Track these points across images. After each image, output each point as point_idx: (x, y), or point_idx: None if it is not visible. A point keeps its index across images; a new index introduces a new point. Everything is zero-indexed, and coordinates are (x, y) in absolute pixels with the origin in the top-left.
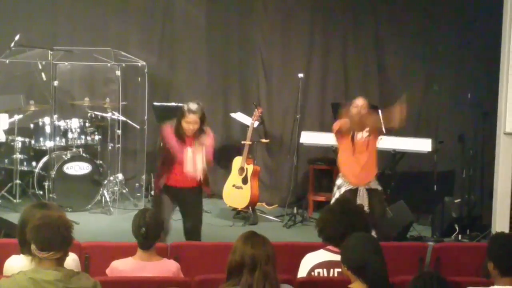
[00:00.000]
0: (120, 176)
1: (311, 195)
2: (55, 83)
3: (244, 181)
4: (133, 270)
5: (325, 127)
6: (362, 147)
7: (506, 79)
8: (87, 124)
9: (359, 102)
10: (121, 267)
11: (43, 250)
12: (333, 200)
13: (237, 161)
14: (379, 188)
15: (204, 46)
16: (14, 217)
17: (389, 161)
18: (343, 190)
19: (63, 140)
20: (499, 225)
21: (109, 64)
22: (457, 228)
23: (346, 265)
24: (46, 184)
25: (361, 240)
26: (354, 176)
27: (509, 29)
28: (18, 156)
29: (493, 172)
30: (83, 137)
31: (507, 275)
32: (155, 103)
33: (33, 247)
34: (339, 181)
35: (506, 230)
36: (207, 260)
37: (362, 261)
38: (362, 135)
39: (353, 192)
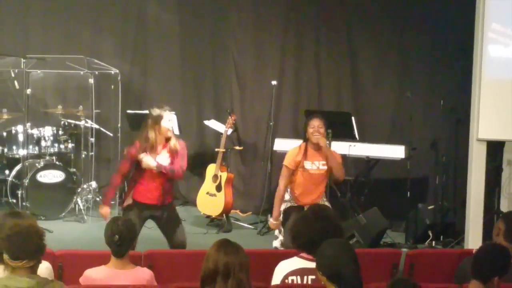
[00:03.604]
0: (93, 184)
1: None
2: (28, 91)
3: (218, 188)
4: (106, 278)
5: (298, 134)
6: (317, 175)
7: (479, 85)
8: (60, 132)
9: (315, 123)
10: (94, 275)
11: (16, 259)
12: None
13: (211, 169)
14: (327, 204)
15: (177, 54)
16: None
17: (363, 168)
18: (288, 205)
19: (36, 148)
20: (472, 231)
21: (82, 72)
22: (430, 234)
23: (321, 272)
24: (19, 192)
25: (337, 248)
26: (301, 197)
27: (481, 36)
28: None
29: (466, 179)
30: (56, 145)
31: (477, 279)
32: (128, 111)
33: (5, 256)
34: (287, 196)
35: (479, 236)
36: (181, 268)
37: (338, 270)
38: (318, 166)
39: (297, 209)
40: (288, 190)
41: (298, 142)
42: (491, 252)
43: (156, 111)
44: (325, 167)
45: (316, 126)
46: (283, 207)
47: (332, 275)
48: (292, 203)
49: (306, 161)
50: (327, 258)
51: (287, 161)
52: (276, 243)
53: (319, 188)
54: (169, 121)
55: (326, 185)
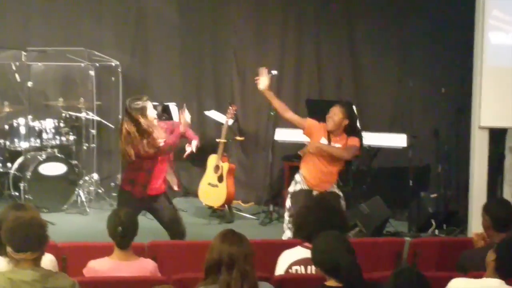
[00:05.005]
0: (95, 176)
1: (286, 192)
2: (29, 83)
3: (220, 179)
4: (110, 270)
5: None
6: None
7: (480, 73)
8: (61, 125)
9: (332, 109)
10: (98, 267)
11: (19, 252)
12: (288, 195)
13: (212, 159)
14: (338, 192)
15: (177, 45)
16: None
17: (365, 157)
18: (298, 187)
19: (38, 140)
20: (475, 219)
21: (82, 64)
22: (433, 223)
23: (319, 267)
24: (21, 185)
25: (330, 241)
26: (311, 178)
27: (481, 23)
28: None
29: (468, 167)
30: (58, 137)
31: (501, 273)
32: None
33: (8, 249)
34: (297, 177)
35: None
36: (184, 259)
37: (335, 262)
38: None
39: (307, 192)
40: (299, 171)
41: (299, 132)
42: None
43: (139, 104)
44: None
45: (330, 112)
46: (292, 188)
47: (330, 269)
48: (302, 185)
49: (324, 137)
50: (322, 253)
51: (312, 120)
52: (286, 216)
53: (330, 170)
54: (153, 109)
55: (339, 172)
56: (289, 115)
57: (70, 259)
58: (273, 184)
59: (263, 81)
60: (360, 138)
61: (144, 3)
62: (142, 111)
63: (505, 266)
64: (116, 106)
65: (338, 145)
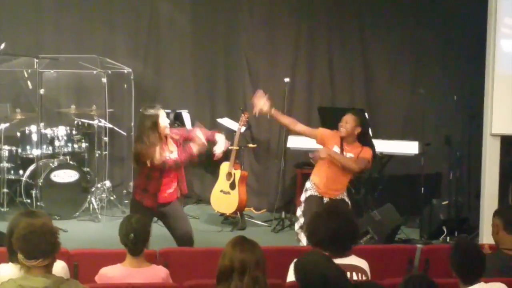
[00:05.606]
0: (107, 183)
1: (299, 199)
2: (41, 91)
3: (232, 186)
4: (122, 276)
5: None
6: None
7: (492, 80)
8: (73, 132)
9: (344, 117)
10: (110, 274)
11: (31, 259)
12: (302, 202)
13: (225, 167)
14: (346, 199)
15: (189, 52)
16: (1, 226)
17: (377, 164)
18: (308, 193)
19: (50, 148)
20: (486, 226)
21: (95, 72)
22: (445, 230)
23: None
24: (33, 192)
25: (310, 259)
26: (321, 186)
27: (493, 31)
28: (5, 164)
29: (480, 174)
30: (70, 144)
31: (468, 283)
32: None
33: (20, 256)
34: (308, 184)
35: None
36: (196, 266)
37: (322, 276)
38: (345, 154)
39: (318, 199)
40: (310, 178)
41: (312, 140)
42: (469, 254)
43: (150, 111)
44: (352, 155)
45: (343, 120)
46: (303, 197)
47: (319, 285)
48: (313, 191)
49: (336, 145)
50: (306, 273)
51: (323, 128)
52: (297, 226)
53: (341, 179)
54: (165, 117)
55: (349, 180)
56: (299, 127)
57: (82, 266)
58: (285, 191)
59: (261, 104)
60: (373, 149)
61: (156, 11)
62: (155, 119)
63: (466, 273)
64: (129, 113)
65: (350, 154)
